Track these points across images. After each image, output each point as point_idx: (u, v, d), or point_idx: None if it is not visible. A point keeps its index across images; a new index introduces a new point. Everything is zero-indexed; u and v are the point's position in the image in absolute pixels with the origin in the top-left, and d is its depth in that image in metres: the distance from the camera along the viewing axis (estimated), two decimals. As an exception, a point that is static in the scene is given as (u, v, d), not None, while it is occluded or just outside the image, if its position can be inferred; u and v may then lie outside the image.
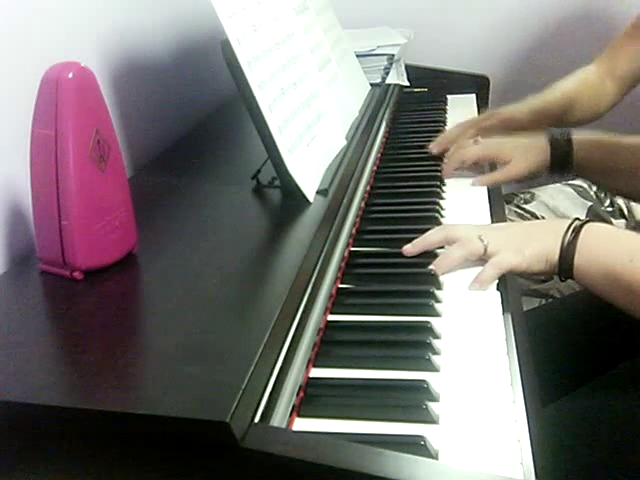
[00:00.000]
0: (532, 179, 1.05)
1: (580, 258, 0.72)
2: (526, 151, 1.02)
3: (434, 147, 1.13)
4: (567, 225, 0.74)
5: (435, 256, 0.78)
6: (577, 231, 0.73)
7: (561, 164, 1.01)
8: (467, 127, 1.15)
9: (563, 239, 0.73)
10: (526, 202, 1.48)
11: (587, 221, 0.75)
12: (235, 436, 0.45)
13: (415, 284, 0.76)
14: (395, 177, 1.07)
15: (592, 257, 0.72)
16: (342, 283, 0.76)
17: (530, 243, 0.75)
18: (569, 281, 0.75)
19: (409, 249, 0.79)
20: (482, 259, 0.76)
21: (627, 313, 0.70)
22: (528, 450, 0.52)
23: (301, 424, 0.56)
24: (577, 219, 0.76)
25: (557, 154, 1.00)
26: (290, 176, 0.78)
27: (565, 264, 0.73)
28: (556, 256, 0.73)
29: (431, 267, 0.76)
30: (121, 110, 0.94)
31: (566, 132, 1.02)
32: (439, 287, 0.74)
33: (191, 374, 0.50)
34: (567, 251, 0.73)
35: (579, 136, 1.01)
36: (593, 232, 0.74)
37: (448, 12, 1.74)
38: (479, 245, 0.75)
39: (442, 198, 0.98)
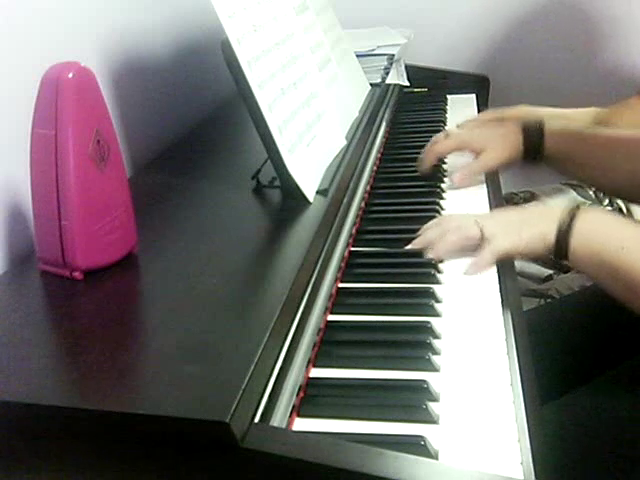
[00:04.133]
0: (508, 167, 1.03)
1: (575, 241, 0.73)
2: (499, 139, 1.01)
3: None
4: (562, 209, 0.75)
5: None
6: (573, 214, 0.74)
7: (533, 152, 1.00)
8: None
9: (560, 221, 0.74)
10: (526, 201, 1.48)
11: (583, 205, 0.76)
12: (235, 436, 0.45)
13: (415, 284, 0.75)
14: (395, 177, 1.07)
15: (586, 241, 0.73)
16: (342, 283, 0.76)
17: (527, 227, 0.76)
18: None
19: (410, 249, 0.81)
20: (479, 245, 0.77)
21: (618, 300, 0.71)
22: (528, 450, 0.52)
23: (301, 424, 0.56)
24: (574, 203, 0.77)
25: (529, 142, 0.99)
26: (290, 176, 0.78)
27: (561, 246, 0.74)
28: (553, 238, 0.74)
29: (429, 255, 0.78)
30: (121, 110, 0.94)
31: (540, 121, 1.00)
32: (439, 285, 0.74)
33: (191, 374, 0.50)
34: (564, 233, 0.74)
35: (552, 126, 1.00)
36: (589, 216, 0.75)
37: (448, 12, 1.74)
38: (475, 229, 0.77)
39: (442, 198, 0.98)
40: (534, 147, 0.99)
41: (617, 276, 0.70)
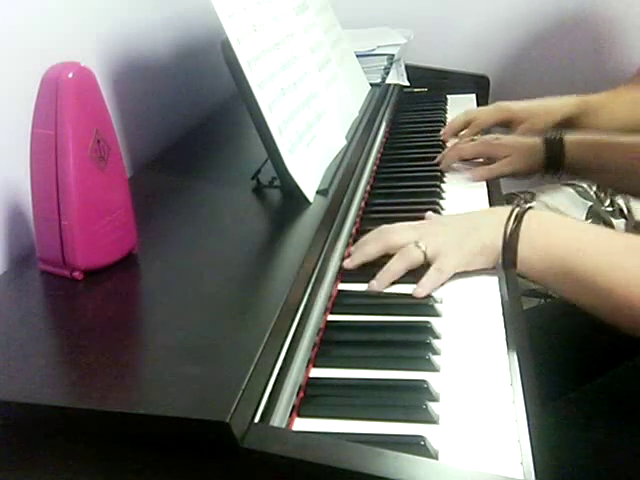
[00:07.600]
0: (527, 177, 1.07)
1: (524, 247, 0.70)
2: (523, 149, 1.04)
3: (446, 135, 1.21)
4: (508, 213, 0.72)
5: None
6: (519, 219, 0.71)
7: (554, 164, 1.03)
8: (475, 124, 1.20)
9: (505, 228, 0.71)
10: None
11: (528, 208, 0.73)
12: (235, 436, 0.45)
13: (415, 284, 0.75)
14: (395, 177, 1.07)
15: (537, 246, 0.70)
16: (342, 283, 0.76)
17: (469, 237, 0.73)
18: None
19: (348, 264, 0.77)
20: (427, 265, 0.73)
21: (572, 303, 0.70)
22: (528, 450, 0.52)
23: (301, 424, 0.56)
24: (517, 206, 0.74)
25: (550, 154, 1.02)
26: (290, 176, 0.78)
27: (508, 254, 0.71)
28: (499, 246, 0.71)
29: (372, 282, 0.73)
30: (121, 110, 0.94)
31: (559, 132, 1.04)
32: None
33: (191, 374, 0.50)
34: (510, 240, 0.71)
35: (571, 136, 1.03)
36: (537, 220, 0.72)
37: (448, 12, 1.74)
38: (418, 253, 0.73)
39: (442, 198, 0.98)
40: (555, 159, 1.02)
41: (576, 280, 0.68)
